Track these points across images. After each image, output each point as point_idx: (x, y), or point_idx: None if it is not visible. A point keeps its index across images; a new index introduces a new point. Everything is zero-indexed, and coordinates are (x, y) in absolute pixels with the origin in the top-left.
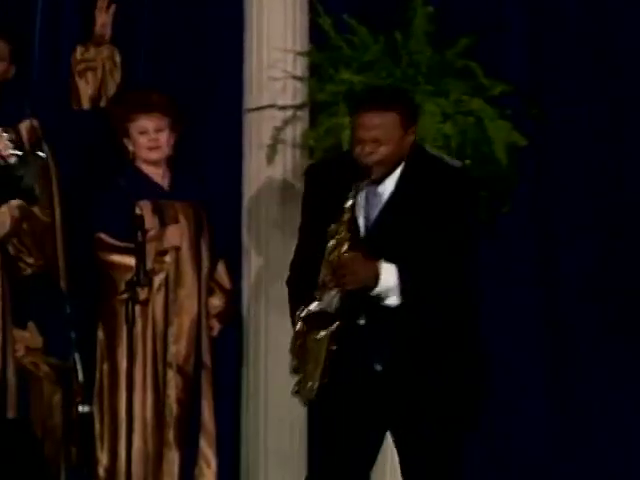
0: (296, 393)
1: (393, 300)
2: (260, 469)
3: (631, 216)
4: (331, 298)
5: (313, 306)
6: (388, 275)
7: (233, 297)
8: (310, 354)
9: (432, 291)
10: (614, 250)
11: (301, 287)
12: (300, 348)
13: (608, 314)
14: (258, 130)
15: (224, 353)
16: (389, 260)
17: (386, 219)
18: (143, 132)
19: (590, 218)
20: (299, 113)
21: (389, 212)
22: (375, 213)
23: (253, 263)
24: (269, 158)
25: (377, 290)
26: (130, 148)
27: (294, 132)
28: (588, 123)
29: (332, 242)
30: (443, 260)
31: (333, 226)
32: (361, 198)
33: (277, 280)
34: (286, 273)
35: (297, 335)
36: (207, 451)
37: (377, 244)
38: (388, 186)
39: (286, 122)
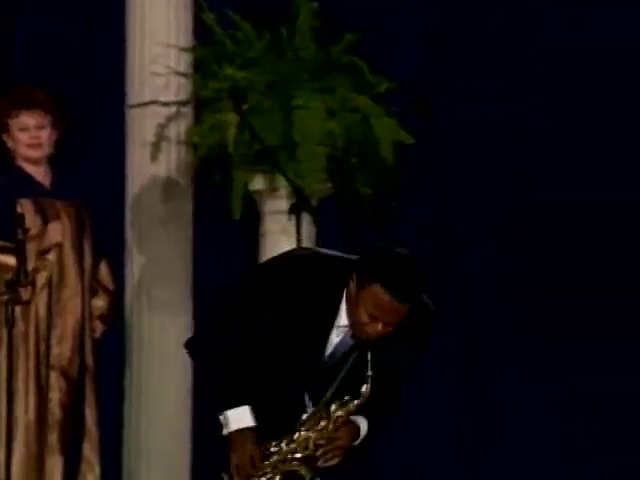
0: None
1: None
2: (142, 473)
3: (542, 214)
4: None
5: None
6: (364, 426)
7: (116, 298)
8: None
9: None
10: (525, 248)
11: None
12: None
13: (519, 312)
14: (141, 127)
15: (106, 355)
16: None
17: (355, 355)
18: (24, 129)
19: (502, 216)
20: (183, 109)
21: (362, 352)
22: (341, 350)
23: (136, 261)
24: (153, 155)
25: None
26: (10, 145)
27: (178, 129)
28: (500, 121)
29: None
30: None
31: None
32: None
33: (160, 279)
34: (170, 272)
35: None
36: (90, 456)
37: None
38: None
39: (170, 119)
